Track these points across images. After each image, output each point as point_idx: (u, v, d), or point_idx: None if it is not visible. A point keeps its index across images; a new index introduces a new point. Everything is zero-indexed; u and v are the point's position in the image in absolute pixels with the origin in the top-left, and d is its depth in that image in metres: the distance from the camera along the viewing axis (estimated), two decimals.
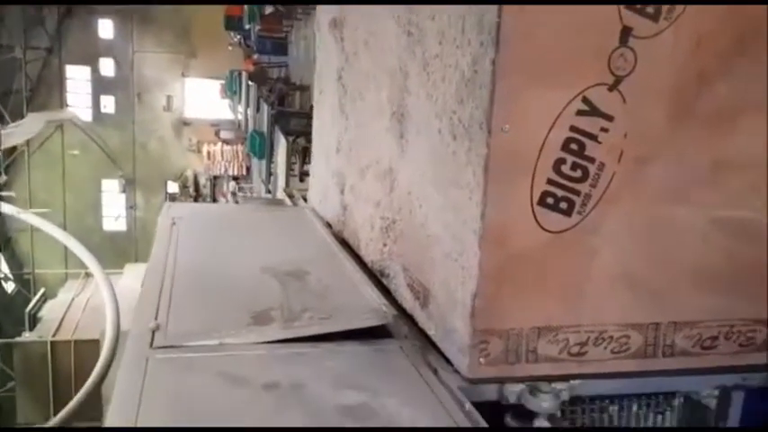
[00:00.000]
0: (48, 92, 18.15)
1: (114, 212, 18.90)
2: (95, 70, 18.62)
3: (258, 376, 1.34)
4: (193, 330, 1.53)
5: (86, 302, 11.65)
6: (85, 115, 18.53)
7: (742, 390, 1.61)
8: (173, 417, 1.18)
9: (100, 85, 18.75)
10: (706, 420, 1.67)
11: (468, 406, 1.32)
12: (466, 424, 1.25)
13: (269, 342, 1.50)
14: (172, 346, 1.45)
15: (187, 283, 1.86)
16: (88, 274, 11.51)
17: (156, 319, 1.58)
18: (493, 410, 1.43)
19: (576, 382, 1.48)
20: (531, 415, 1.40)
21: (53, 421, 1.98)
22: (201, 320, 1.61)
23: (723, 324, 1.53)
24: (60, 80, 18.41)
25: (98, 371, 2.13)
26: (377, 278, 1.97)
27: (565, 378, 1.47)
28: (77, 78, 18.71)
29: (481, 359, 1.43)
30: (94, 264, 2.53)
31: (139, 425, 1.13)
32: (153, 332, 1.51)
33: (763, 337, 1.55)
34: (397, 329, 1.68)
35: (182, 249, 2.16)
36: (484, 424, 1.26)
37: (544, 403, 1.41)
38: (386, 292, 1.86)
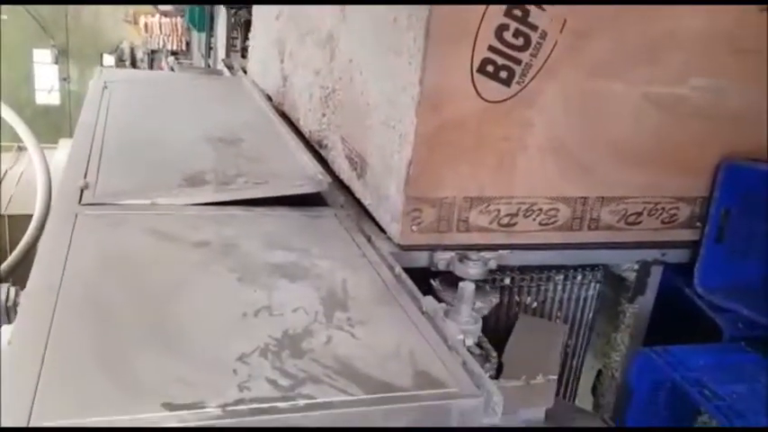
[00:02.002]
0: None
1: (47, 85, 18.02)
2: None
3: (189, 234, 1.33)
4: (123, 190, 1.50)
5: (19, 176, 11.28)
6: None
7: (660, 265, 1.69)
8: (101, 267, 1.17)
9: None
10: (624, 292, 1.77)
11: (398, 269, 1.35)
12: (395, 286, 1.28)
13: (201, 204, 1.49)
14: (101, 204, 1.42)
15: (118, 146, 1.81)
16: (21, 148, 11.08)
17: (84, 178, 1.54)
18: (422, 276, 1.47)
19: (504, 252, 1.53)
20: (457, 281, 1.44)
21: None
22: (132, 181, 1.57)
23: (648, 201, 1.58)
24: None
25: (30, 233, 2.08)
26: (315, 150, 1.96)
27: (494, 248, 1.51)
28: None
29: (413, 227, 1.45)
30: (20, 125, 2.42)
31: (67, 274, 1.11)
32: (82, 190, 1.48)
33: (685, 214, 1.61)
34: (332, 198, 1.68)
35: (113, 113, 2.09)
36: (413, 286, 1.29)
37: (471, 270, 1.45)
38: (323, 163, 1.85)
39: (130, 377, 0.88)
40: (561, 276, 1.67)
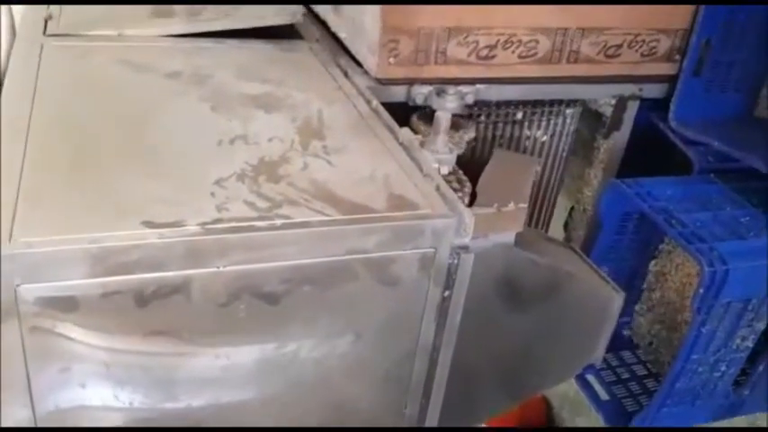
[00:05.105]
0: None
1: None
2: None
3: (160, 65, 1.30)
4: (90, 20, 1.44)
5: None
6: None
7: (637, 100, 1.69)
8: (72, 95, 1.15)
9: None
10: (600, 128, 1.78)
11: (375, 103, 1.34)
12: (372, 118, 1.28)
13: (171, 36, 1.44)
14: (67, 35, 1.37)
15: None
16: None
17: (48, 8, 1.48)
18: (400, 112, 1.46)
19: (482, 86, 1.52)
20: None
21: None
22: (98, 13, 1.51)
23: (629, 32, 1.55)
24: None
25: None
26: None
27: (471, 81, 1.50)
28: None
29: (390, 59, 1.42)
30: None
31: (37, 102, 1.09)
32: (46, 21, 1.42)
33: (664, 47, 1.59)
34: (307, 32, 1.64)
35: None
36: (389, 118, 1.29)
37: (449, 104, 1.44)
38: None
39: (109, 198, 0.89)
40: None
